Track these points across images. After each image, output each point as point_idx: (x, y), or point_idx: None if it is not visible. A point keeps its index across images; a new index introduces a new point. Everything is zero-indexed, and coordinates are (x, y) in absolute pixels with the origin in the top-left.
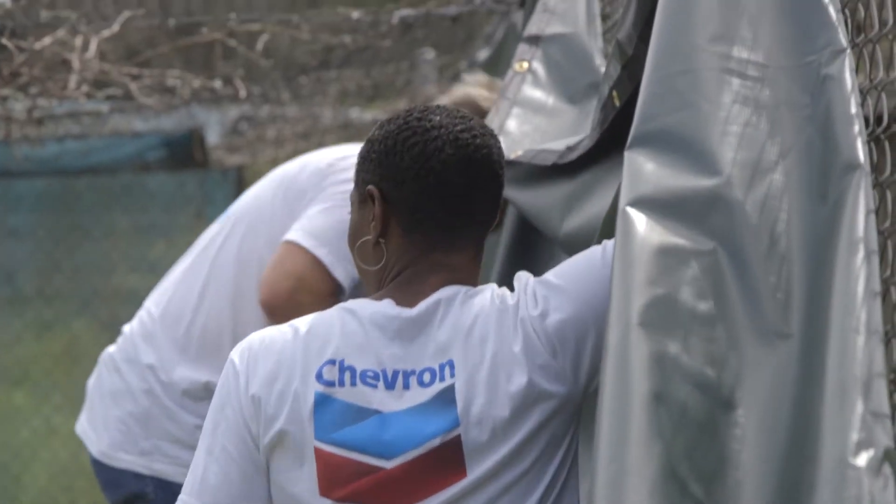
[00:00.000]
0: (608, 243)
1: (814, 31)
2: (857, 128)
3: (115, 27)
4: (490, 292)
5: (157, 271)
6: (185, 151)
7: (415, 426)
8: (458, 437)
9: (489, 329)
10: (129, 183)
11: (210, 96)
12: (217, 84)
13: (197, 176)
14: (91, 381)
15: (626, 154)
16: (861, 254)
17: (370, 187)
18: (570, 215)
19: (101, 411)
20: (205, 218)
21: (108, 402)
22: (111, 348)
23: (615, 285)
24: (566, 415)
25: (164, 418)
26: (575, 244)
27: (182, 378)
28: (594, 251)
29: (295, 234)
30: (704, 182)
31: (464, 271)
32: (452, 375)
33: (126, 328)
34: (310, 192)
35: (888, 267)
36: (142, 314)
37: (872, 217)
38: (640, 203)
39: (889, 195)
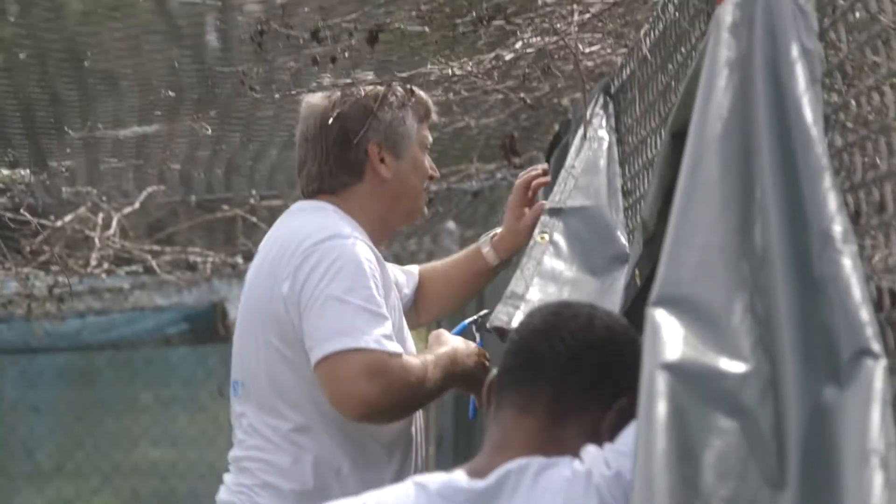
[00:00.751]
0: None
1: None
2: (864, 308)
3: (137, 204)
4: (566, 465)
5: (178, 445)
6: (206, 325)
7: None
8: None
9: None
10: (151, 357)
11: (232, 271)
12: (238, 259)
13: (219, 350)
14: None
15: (652, 311)
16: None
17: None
18: None
19: None
20: (226, 392)
21: None
22: None
23: (639, 448)
24: None
25: None
26: None
27: None
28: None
29: (321, 348)
30: (731, 365)
31: (540, 438)
32: None
33: None
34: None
35: None
36: None
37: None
38: (668, 369)
39: None
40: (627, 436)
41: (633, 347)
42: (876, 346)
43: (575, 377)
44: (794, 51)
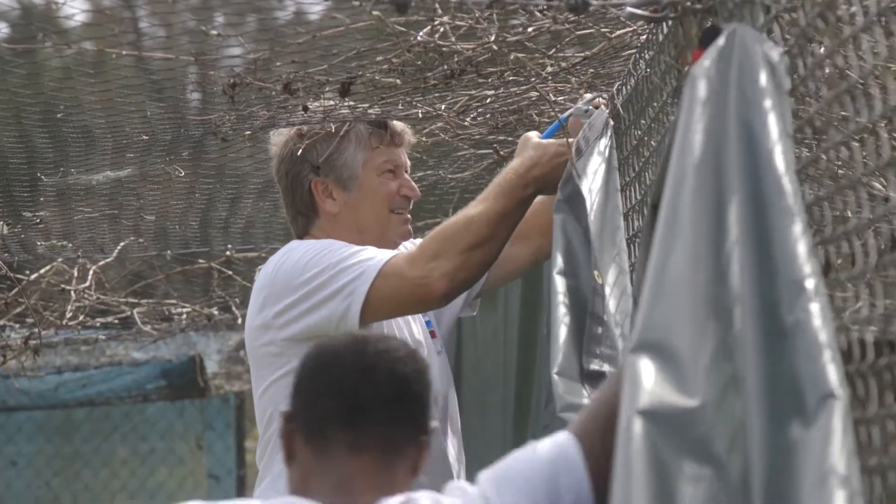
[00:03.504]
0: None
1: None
2: (829, 355)
3: (112, 256)
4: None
5: (156, 499)
6: (184, 379)
7: None
8: None
9: None
10: (129, 410)
11: (207, 323)
12: (214, 311)
13: (196, 403)
14: None
15: (631, 357)
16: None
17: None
18: None
19: None
20: (205, 445)
21: None
22: None
23: (616, 495)
24: None
25: None
26: None
27: None
28: (531, 447)
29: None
30: (703, 413)
31: (377, 478)
32: None
33: None
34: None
35: None
36: None
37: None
38: (644, 415)
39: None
40: (511, 463)
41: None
42: (839, 391)
43: (401, 414)
44: (767, 105)
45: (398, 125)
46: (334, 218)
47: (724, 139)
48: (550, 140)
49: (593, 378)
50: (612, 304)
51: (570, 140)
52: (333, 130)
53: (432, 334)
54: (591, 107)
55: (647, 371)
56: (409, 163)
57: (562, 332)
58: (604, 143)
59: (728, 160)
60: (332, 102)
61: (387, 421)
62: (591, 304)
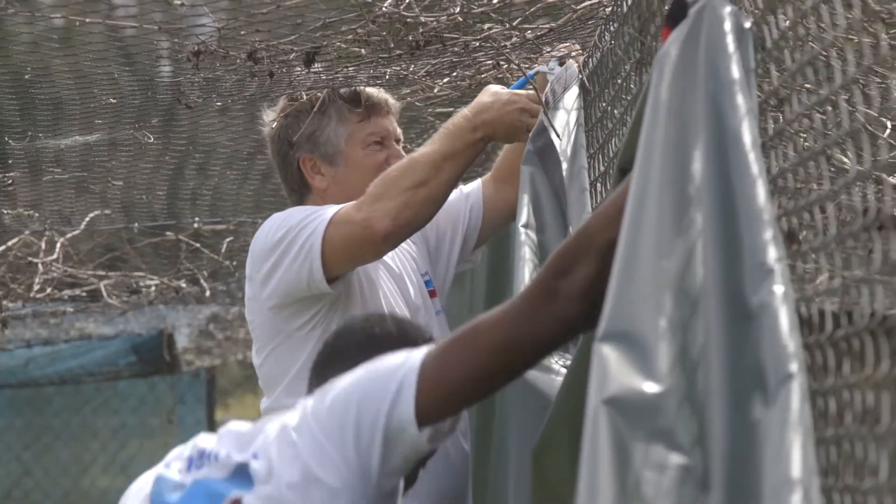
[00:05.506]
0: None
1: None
2: (790, 337)
3: (80, 228)
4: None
5: (128, 472)
6: (154, 355)
7: None
8: None
9: None
10: (100, 385)
11: (175, 296)
12: (182, 283)
13: (167, 379)
14: None
15: (599, 346)
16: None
17: None
18: None
19: None
20: (175, 419)
21: None
22: None
23: (583, 483)
24: None
25: None
26: None
27: None
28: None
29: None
30: (669, 400)
31: None
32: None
33: None
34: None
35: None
36: None
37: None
38: (611, 403)
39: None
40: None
41: None
42: (799, 371)
43: None
44: (735, 83)
45: (381, 95)
46: (324, 193)
47: (691, 118)
48: (508, 90)
49: None
50: None
51: (541, 93)
52: (313, 107)
53: (432, 294)
54: (558, 64)
55: (612, 360)
56: (398, 130)
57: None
58: (571, 99)
59: (695, 140)
60: (300, 71)
61: None
62: None
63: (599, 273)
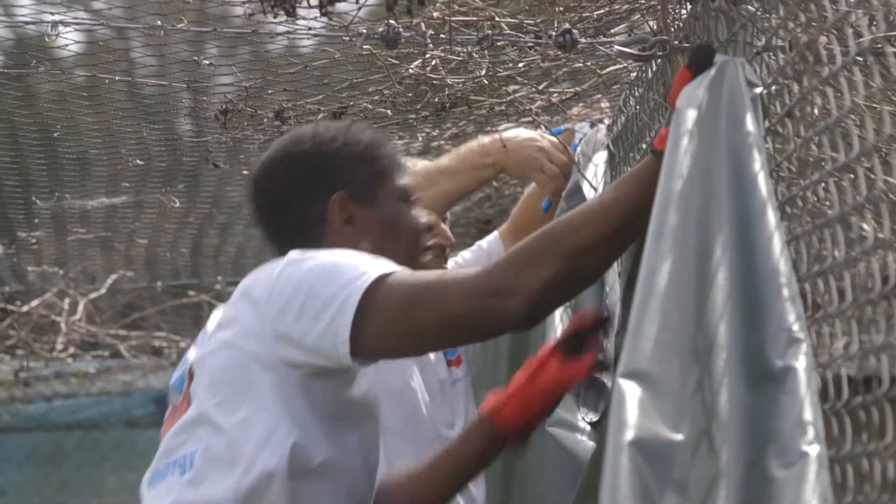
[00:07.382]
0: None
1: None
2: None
3: (103, 289)
4: None
5: None
6: None
7: None
8: None
9: None
10: (119, 440)
11: None
12: None
13: None
14: None
15: (619, 382)
16: None
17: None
18: None
19: None
20: None
21: None
22: None
23: None
24: None
25: None
26: None
27: None
28: None
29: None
30: (684, 446)
31: None
32: None
33: None
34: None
35: None
36: None
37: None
38: (632, 445)
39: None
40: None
41: None
42: (818, 442)
43: None
44: (752, 139)
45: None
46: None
47: (713, 170)
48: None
49: (589, 392)
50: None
51: (572, 151)
52: None
53: (454, 362)
54: (589, 126)
55: (634, 399)
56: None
57: None
58: (601, 158)
59: (717, 189)
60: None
61: None
62: None
63: (559, 277)
